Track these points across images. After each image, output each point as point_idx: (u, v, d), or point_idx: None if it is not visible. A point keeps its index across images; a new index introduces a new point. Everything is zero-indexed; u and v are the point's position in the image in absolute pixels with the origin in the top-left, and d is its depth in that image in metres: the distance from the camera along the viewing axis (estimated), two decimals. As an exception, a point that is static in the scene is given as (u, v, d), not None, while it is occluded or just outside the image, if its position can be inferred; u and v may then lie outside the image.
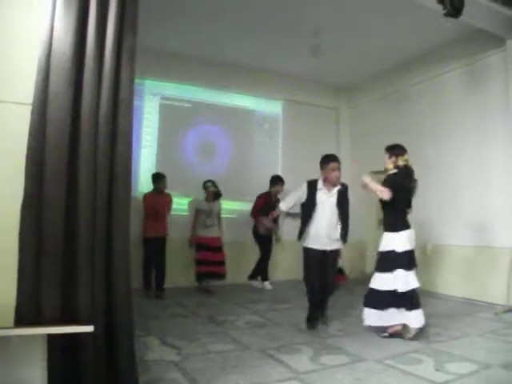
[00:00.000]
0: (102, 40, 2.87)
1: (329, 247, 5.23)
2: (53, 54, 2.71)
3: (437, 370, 3.79)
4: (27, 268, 2.56)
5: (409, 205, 4.85)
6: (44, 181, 2.63)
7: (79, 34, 2.78)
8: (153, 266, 7.33)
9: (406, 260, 4.68)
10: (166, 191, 7.48)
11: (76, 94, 2.77)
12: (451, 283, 7.34)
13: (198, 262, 7.53)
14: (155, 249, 7.27)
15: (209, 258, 7.44)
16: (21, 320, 2.49)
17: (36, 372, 2.48)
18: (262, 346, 4.40)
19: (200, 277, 7.57)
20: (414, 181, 4.81)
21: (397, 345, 4.51)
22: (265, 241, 8.11)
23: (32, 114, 2.64)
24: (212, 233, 7.56)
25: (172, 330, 5.03)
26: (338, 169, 5.26)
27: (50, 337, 2.53)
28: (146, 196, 7.40)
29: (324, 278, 5.26)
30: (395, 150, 4.86)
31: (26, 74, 2.69)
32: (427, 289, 7.47)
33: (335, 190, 5.24)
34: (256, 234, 8.01)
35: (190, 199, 8.10)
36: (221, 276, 7.58)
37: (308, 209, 5.26)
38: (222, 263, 7.59)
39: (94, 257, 2.78)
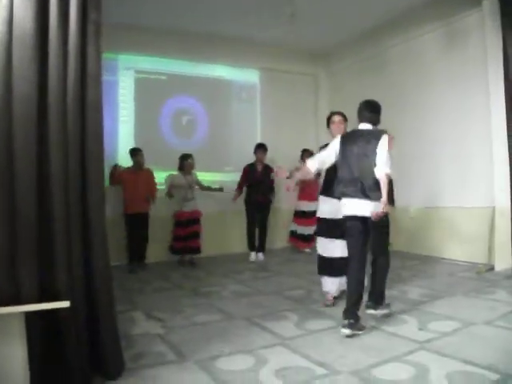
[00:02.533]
0: (65, 14, 2.81)
1: None
2: (14, 28, 2.63)
3: (420, 329, 3.84)
4: (2, 249, 2.52)
5: None
6: (14, 157, 2.58)
7: (41, 9, 2.71)
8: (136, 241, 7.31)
9: None
10: (146, 166, 7.39)
11: (41, 70, 2.72)
12: (434, 244, 7.40)
13: (175, 238, 7.53)
14: (137, 224, 7.24)
15: (184, 234, 7.43)
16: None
17: (16, 349, 2.47)
18: (247, 315, 4.43)
19: (175, 251, 7.58)
20: None
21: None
22: (256, 212, 8.09)
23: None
24: (192, 206, 7.47)
25: (157, 303, 5.03)
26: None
27: (29, 314, 2.50)
28: (124, 172, 7.30)
29: None
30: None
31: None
32: (411, 251, 7.57)
33: None
34: (248, 203, 7.98)
35: (169, 173, 7.99)
36: (195, 250, 7.51)
37: None
38: (196, 236, 7.51)
39: (69, 232, 2.76)
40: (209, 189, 7.79)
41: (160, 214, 7.64)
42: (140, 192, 7.20)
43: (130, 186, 7.14)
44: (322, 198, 4.84)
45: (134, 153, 7.28)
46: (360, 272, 3.94)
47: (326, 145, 4.51)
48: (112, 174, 7.15)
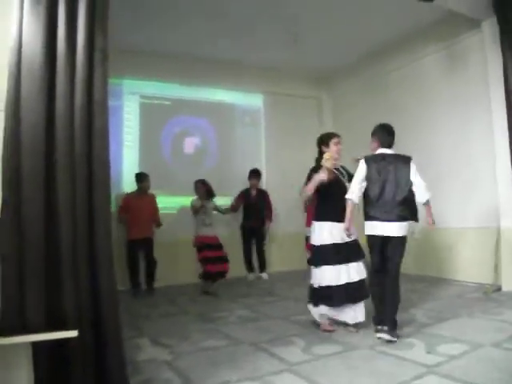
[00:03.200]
0: (72, 43, 2.86)
1: None
2: (23, 59, 2.69)
3: (428, 352, 3.81)
4: (10, 275, 2.54)
5: None
6: (21, 187, 2.62)
7: (49, 39, 2.77)
8: (140, 266, 7.35)
9: None
10: (151, 190, 7.44)
11: (49, 99, 2.76)
12: (440, 266, 7.38)
13: (205, 261, 7.07)
14: (142, 250, 7.26)
15: (213, 255, 7.10)
16: (5, 327, 2.46)
17: (22, 376, 2.46)
18: (253, 340, 4.40)
19: (209, 276, 7.09)
20: None
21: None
22: (252, 236, 8.12)
23: (6, 120, 2.62)
24: (212, 231, 7.28)
25: (163, 329, 5.02)
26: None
27: (36, 342, 2.51)
28: (129, 197, 7.37)
29: None
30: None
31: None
32: (417, 273, 7.53)
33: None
34: (244, 228, 8.04)
35: (174, 198, 8.02)
36: (225, 273, 7.24)
37: None
38: (225, 259, 7.24)
39: (76, 259, 2.77)
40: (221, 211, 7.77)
41: (164, 239, 7.64)
42: (145, 217, 7.25)
43: (135, 211, 7.17)
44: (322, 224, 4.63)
45: (142, 178, 7.33)
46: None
47: (316, 168, 4.59)
48: (121, 203, 7.31)
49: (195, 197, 7.33)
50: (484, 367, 3.42)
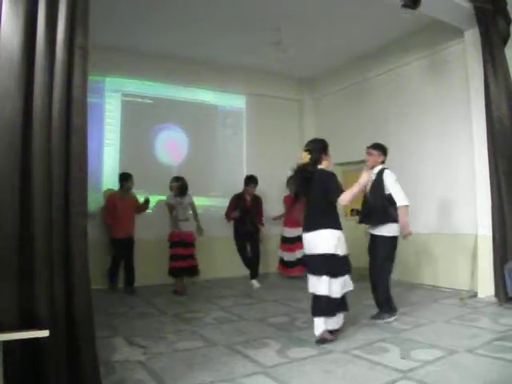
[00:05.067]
0: (52, 40, 2.84)
1: None
2: (1, 55, 2.64)
3: (402, 358, 3.82)
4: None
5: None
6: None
7: (28, 35, 2.74)
8: (121, 265, 7.37)
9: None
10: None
11: (27, 95, 2.72)
12: (417, 271, 7.44)
13: (171, 257, 7.20)
14: (125, 249, 7.28)
15: (180, 252, 7.16)
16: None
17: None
18: (228, 342, 4.39)
19: (173, 272, 7.22)
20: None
21: (364, 335, 4.55)
22: (246, 241, 8.07)
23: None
24: (184, 227, 7.28)
25: (139, 329, 4.99)
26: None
27: (8, 343, 2.47)
28: (113, 197, 7.37)
29: None
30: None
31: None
32: (393, 277, 7.55)
33: None
34: (238, 233, 7.95)
35: (154, 197, 7.95)
36: (194, 270, 7.30)
37: None
38: (192, 256, 7.31)
39: (51, 258, 2.74)
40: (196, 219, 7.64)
41: (143, 238, 7.61)
42: (128, 216, 7.29)
43: (119, 210, 7.20)
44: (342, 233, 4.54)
45: (126, 178, 7.32)
46: None
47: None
48: (107, 202, 7.35)
49: (170, 194, 7.34)
50: (458, 373, 3.45)
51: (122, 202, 7.31)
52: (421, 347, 4.10)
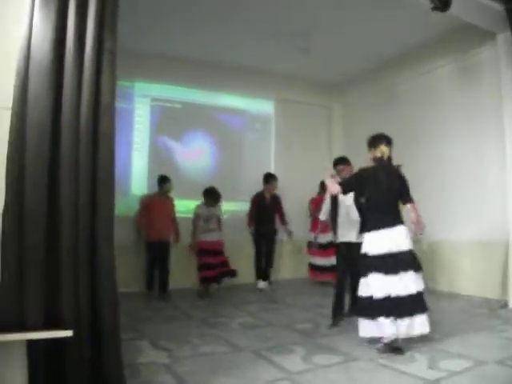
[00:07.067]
0: (81, 44, 2.87)
1: None
2: (32, 58, 2.71)
3: (429, 367, 3.75)
4: (9, 274, 2.55)
5: (381, 202, 4.38)
6: (25, 187, 2.63)
7: (58, 39, 2.79)
8: (156, 269, 7.34)
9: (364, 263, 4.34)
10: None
11: (56, 99, 2.77)
12: (446, 279, 7.31)
13: (201, 267, 7.32)
14: (160, 253, 7.27)
15: (210, 261, 7.27)
16: (2, 326, 2.46)
17: (16, 375, 2.45)
18: (254, 348, 4.37)
19: (205, 280, 7.34)
20: (387, 175, 4.41)
21: (390, 343, 4.48)
22: (264, 241, 8.08)
23: (11, 120, 2.64)
24: (213, 236, 7.40)
25: (164, 332, 5.00)
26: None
27: (32, 340, 2.51)
28: (149, 198, 7.40)
29: None
30: (370, 142, 4.62)
31: (5, 79, 2.69)
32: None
33: None
34: (256, 234, 7.98)
35: (183, 201, 8.00)
36: (231, 273, 7.44)
37: None
38: (225, 263, 7.44)
39: (77, 261, 2.77)
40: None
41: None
42: (164, 219, 7.27)
43: (154, 213, 7.19)
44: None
45: (165, 180, 7.34)
46: None
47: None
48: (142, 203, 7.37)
49: (200, 202, 7.43)
50: (485, 385, 3.37)
51: (159, 205, 7.26)
52: (449, 357, 4.01)
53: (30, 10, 2.73)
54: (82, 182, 2.81)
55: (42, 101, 2.68)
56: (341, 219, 5.41)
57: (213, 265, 7.28)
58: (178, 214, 7.60)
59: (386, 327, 4.09)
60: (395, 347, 4.13)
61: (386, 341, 4.14)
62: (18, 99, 2.66)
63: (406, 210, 4.52)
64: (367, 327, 4.23)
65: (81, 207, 2.79)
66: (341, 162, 5.65)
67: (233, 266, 7.87)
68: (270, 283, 8.05)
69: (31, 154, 2.63)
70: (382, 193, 4.36)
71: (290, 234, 8.14)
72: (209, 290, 7.40)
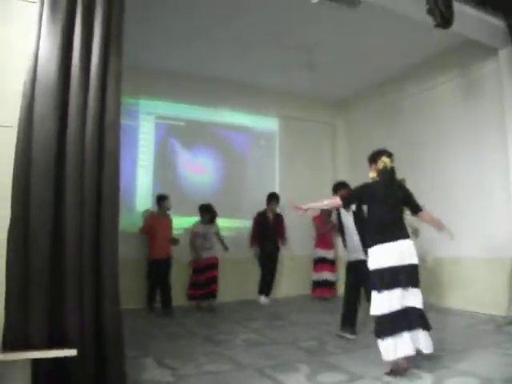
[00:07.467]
0: (87, 65, 2.91)
1: None
2: (38, 78, 2.74)
3: (435, 385, 3.71)
4: (14, 292, 2.55)
5: (387, 215, 4.23)
6: (30, 205, 2.64)
7: (64, 60, 2.83)
8: (158, 287, 7.39)
9: (374, 279, 4.13)
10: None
11: (61, 119, 2.80)
12: (452, 295, 7.26)
13: (190, 285, 7.62)
14: (162, 270, 7.30)
15: (199, 280, 7.51)
16: (7, 344, 2.46)
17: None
18: (258, 365, 4.34)
19: (191, 298, 7.62)
20: (391, 186, 4.34)
21: (396, 360, 4.44)
22: (268, 260, 8.19)
23: (17, 137, 2.66)
24: (210, 254, 7.59)
25: (169, 350, 4.97)
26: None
27: (37, 359, 2.50)
28: (151, 216, 7.48)
29: None
30: (370, 158, 4.60)
31: (12, 98, 2.72)
32: (427, 301, 7.39)
33: None
34: (261, 252, 8.04)
35: (188, 218, 8.01)
36: (212, 295, 7.57)
37: None
38: (213, 281, 7.57)
39: (82, 279, 2.78)
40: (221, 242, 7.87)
41: (175, 258, 7.63)
42: (166, 236, 7.37)
43: (157, 231, 7.28)
44: None
45: (164, 198, 7.43)
46: None
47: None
48: (146, 221, 7.44)
49: (197, 220, 7.57)
50: (493, 404, 3.33)
51: (160, 223, 7.36)
52: (455, 375, 3.96)
53: (37, 33, 2.77)
54: (87, 198, 2.84)
55: (47, 121, 2.72)
56: (348, 238, 5.58)
57: (199, 283, 7.50)
58: (181, 231, 7.73)
59: (406, 343, 3.90)
60: (403, 369, 4.00)
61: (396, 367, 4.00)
62: (24, 119, 2.69)
63: (418, 218, 4.56)
64: (390, 347, 3.93)
65: (86, 224, 2.81)
66: (340, 186, 5.75)
67: (235, 282, 7.90)
68: (269, 298, 8.15)
69: (37, 171, 2.66)
70: (388, 205, 4.26)
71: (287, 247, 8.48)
72: (201, 306, 7.57)
